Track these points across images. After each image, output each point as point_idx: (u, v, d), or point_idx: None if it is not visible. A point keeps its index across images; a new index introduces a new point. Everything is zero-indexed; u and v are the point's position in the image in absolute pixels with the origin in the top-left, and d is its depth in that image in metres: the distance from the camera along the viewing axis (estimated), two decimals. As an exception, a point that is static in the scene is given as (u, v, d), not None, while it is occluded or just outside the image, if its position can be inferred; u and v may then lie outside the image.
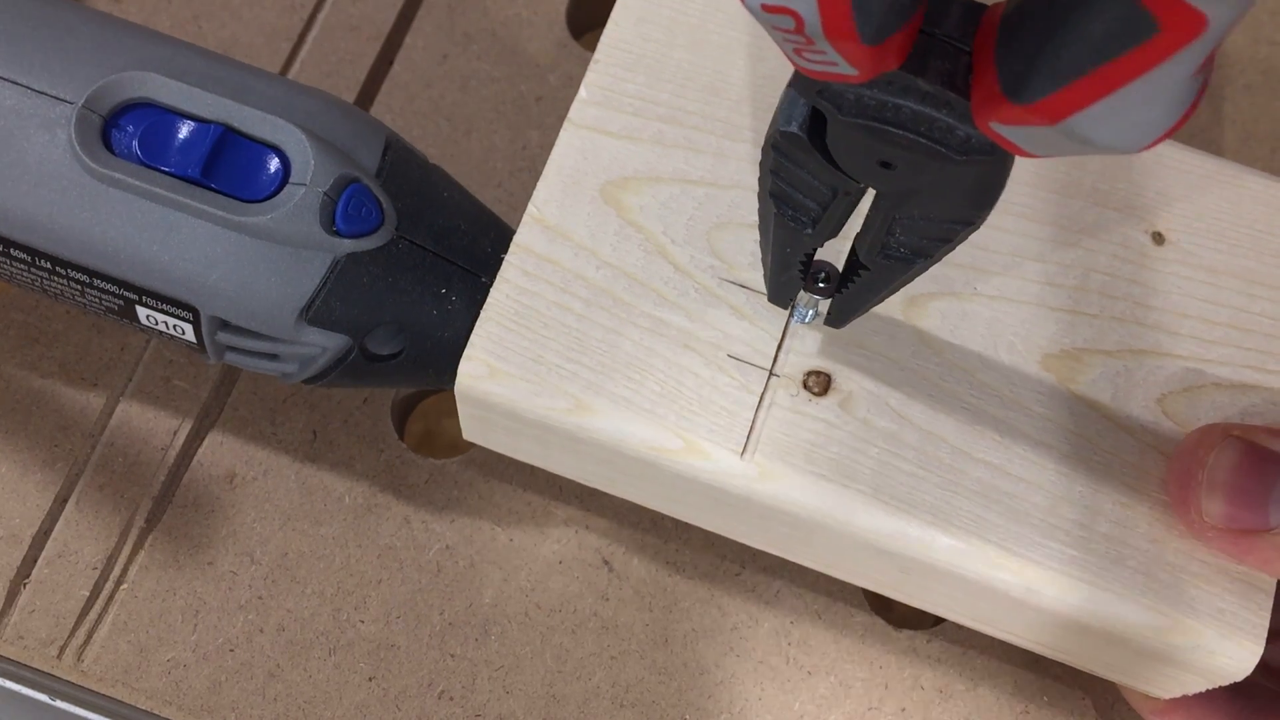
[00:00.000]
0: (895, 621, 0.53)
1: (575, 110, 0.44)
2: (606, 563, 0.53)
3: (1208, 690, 0.43)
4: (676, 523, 0.53)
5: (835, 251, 0.40)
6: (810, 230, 0.36)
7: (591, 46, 0.46)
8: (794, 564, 0.52)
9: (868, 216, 0.35)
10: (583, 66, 0.44)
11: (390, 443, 0.54)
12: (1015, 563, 0.40)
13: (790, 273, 0.38)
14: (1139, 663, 0.42)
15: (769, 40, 0.45)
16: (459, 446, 0.56)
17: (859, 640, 0.52)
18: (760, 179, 0.35)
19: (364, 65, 0.58)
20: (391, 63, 0.59)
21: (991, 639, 0.52)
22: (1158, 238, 0.44)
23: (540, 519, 0.53)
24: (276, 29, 0.59)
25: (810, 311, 0.41)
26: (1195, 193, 0.44)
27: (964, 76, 0.30)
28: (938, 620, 0.54)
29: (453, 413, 0.62)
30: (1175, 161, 0.45)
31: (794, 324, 0.42)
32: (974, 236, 0.43)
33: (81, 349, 0.54)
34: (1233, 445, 0.40)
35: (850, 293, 0.38)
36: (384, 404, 0.54)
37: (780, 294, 0.40)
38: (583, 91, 0.44)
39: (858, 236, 0.36)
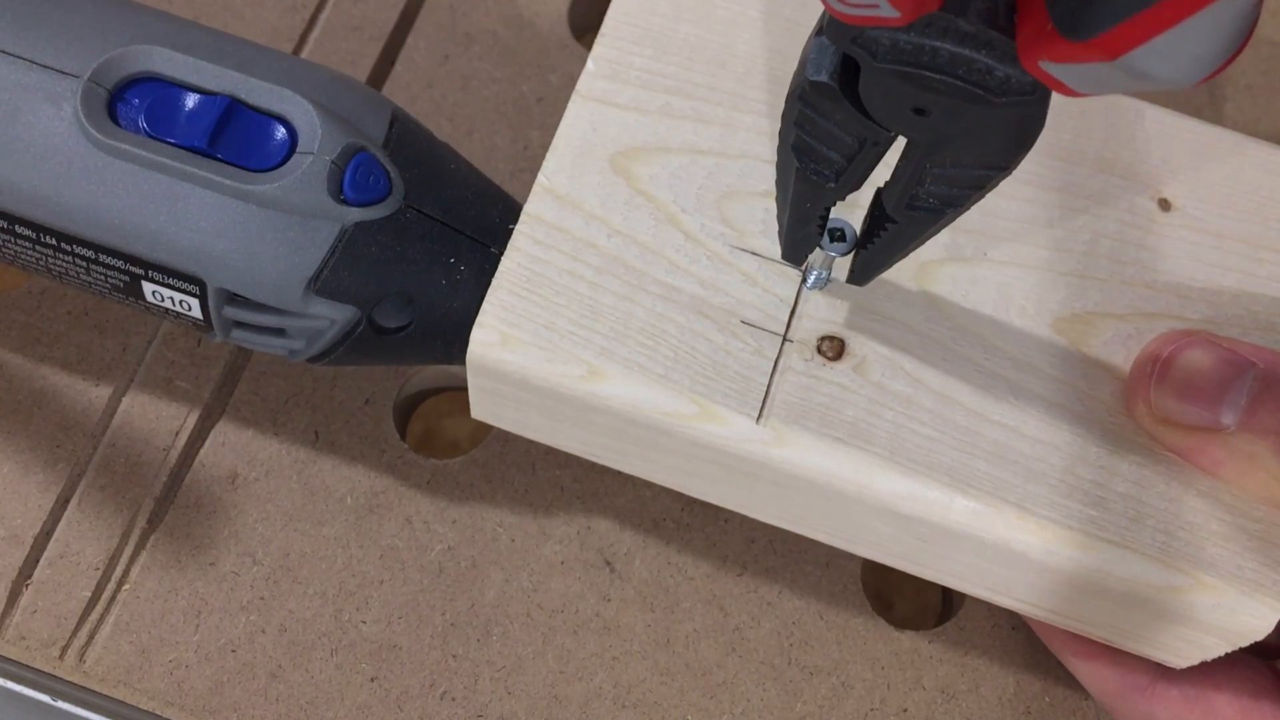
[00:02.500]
0: (897, 622, 0.51)
1: (583, 83, 0.42)
2: (608, 563, 0.51)
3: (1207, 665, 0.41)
4: (678, 523, 0.51)
5: (851, 204, 0.38)
6: (833, 184, 0.33)
7: (592, 47, 0.44)
8: (796, 565, 0.51)
9: (897, 168, 0.33)
10: (583, 67, 0.43)
11: (392, 443, 0.52)
12: (1034, 523, 0.38)
13: (807, 229, 0.36)
14: (1158, 626, 0.39)
15: (774, 14, 0.44)
16: (459, 447, 0.54)
17: (861, 641, 0.50)
18: (782, 133, 0.33)
19: (366, 65, 0.57)
20: (393, 63, 0.57)
21: (994, 639, 0.50)
22: (1164, 204, 0.42)
23: (542, 519, 0.51)
24: (278, 29, 0.57)
25: (824, 273, 0.40)
26: (1199, 160, 0.43)
27: (1006, 15, 0.28)
28: (940, 621, 0.52)
29: (453, 413, 0.61)
30: (1179, 130, 0.43)
31: (806, 290, 0.40)
32: (982, 203, 0.41)
33: (83, 349, 0.52)
34: (1194, 342, 0.38)
35: (874, 249, 0.36)
36: (386, 405, 0.52)
37: (794, 251, 0.38)
38: (590, 64, 0.43)
39: (884, 189, 0.34)
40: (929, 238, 0.35)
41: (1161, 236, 0.42)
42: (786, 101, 0.32)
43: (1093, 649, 0.44)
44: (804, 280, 0.40)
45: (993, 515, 0.38)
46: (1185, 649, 0.40)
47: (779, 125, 0.42)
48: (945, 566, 0.41)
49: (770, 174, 0.41)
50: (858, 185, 0.34)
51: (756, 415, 0.39)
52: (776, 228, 0.41)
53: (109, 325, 0.52)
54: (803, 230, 0.36)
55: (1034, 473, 0.38)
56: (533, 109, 0.57)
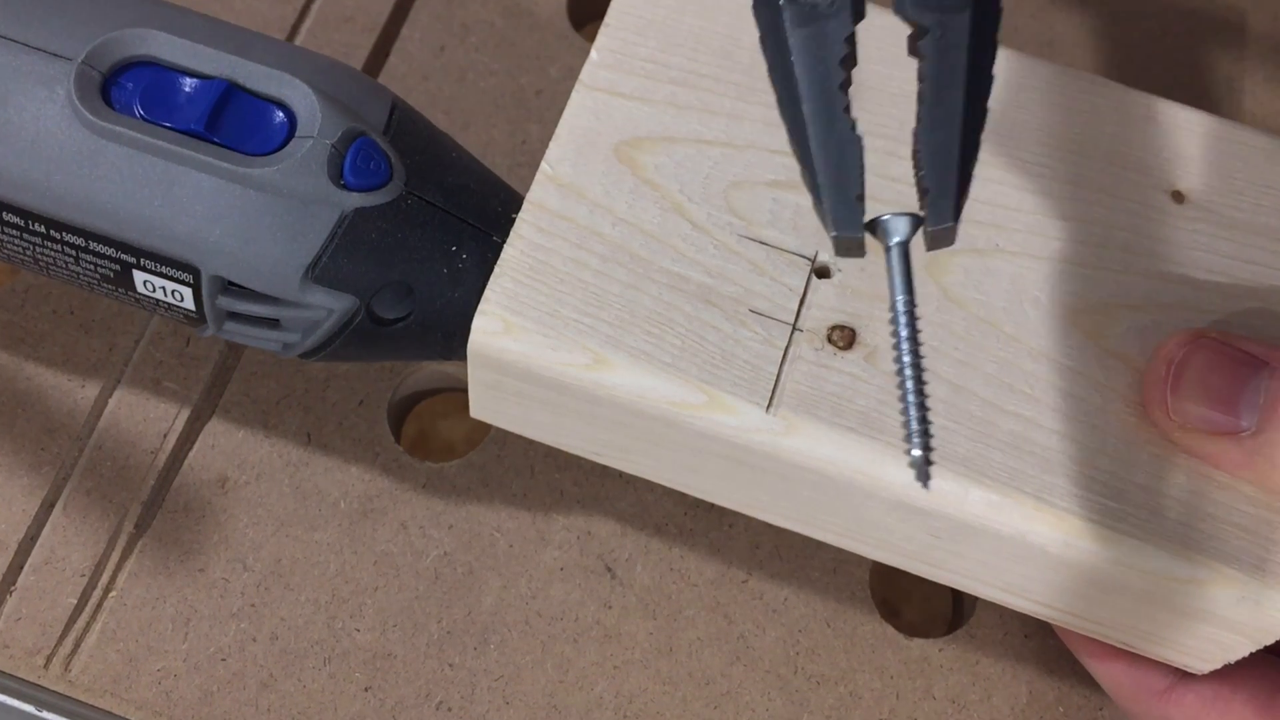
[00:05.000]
0: (906, 629, 0.51)
1: (587, 72, 0.42)
2: (609, 569, 0.50)
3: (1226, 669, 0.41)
4: (681, 528, 0.51)
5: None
6: (832, 15, 0.31)
7: (592, 38, 0.45)
8: (802, 571, 0.51)
9: None
10: (584, 59, 0.43)
11: (386, 446, 0.52)
12: (1052, 514, 0.38)
13: (838, 127, 0.32)
14: (1180, 625, 0.39)
15: (779, 6, 0.44)
16: (455, 450, 0.54)
17: (869, 649, 0.50)
18: (761, 25, 0.32)
19: (359, 57, 0.57)
20: (387, 55, 0.57)
21: (1006, 647, 0.50)
22: (1177, 196, 0.42)
23: (541, 524, 0.51)
24: (269, 20, 0.57)
25: (902, 223, 0.33)
26: (1211, 154, 0.43)
27: None
28: (950, 628, 0.52)
29: (449, 415, 0.60)
30: (1189, 124, 0.43)
31: (816, 281, 0.40)
32: (994, 194, 0.42)
33: (68, 349, 0.52)
34: (1205, 345, 0.38)
35: (929, 125, 0.32)
36: (380, 406, 0.52)
37: (841, 184, 0.32)
38: (594, 54, 0.43)
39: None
40: (982, 87, 0.32)
41: (1175, 229, 0.42)
42: None
43: (1109, 650, 0.44)
44: (810, 276, 0.40)
45: (1009, 506, 0.38)
46: (1208, 650, 0.40)
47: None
48: (958, 565, 0.41)
49: (776, 164, 0.41)
50: (858, 9, 0.32)
51: (766, 404, 0.38)
52: (784, 218, 0.41)
53: (95, 324, 0.52)
54: (835, 133, 0.32)
55: (1051, 464, 0.38)
56: (531, 102, 0.57)
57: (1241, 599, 0.37)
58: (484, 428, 0.52)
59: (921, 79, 0.32)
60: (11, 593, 0.49)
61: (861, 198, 0.32)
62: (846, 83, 0.32)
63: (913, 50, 0.33)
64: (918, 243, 0.33)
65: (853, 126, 0.32)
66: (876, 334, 0.40)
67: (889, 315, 0.33)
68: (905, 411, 0.32)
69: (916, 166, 0.32)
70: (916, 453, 0.32)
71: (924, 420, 0.32)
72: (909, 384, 0.32)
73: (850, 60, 0.32)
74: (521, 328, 0.39)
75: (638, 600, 0.50)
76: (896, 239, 0.32)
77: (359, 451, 0.51)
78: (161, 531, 0.50)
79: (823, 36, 0.32)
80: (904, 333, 0.32)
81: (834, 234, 0.32)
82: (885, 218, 0.32)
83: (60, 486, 0.50)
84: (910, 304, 0.32)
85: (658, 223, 0.41)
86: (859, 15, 0.32)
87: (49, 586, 0.49)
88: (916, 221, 0.32)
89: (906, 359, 0.32)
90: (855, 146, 0.32)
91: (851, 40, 0.32)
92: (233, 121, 0.39)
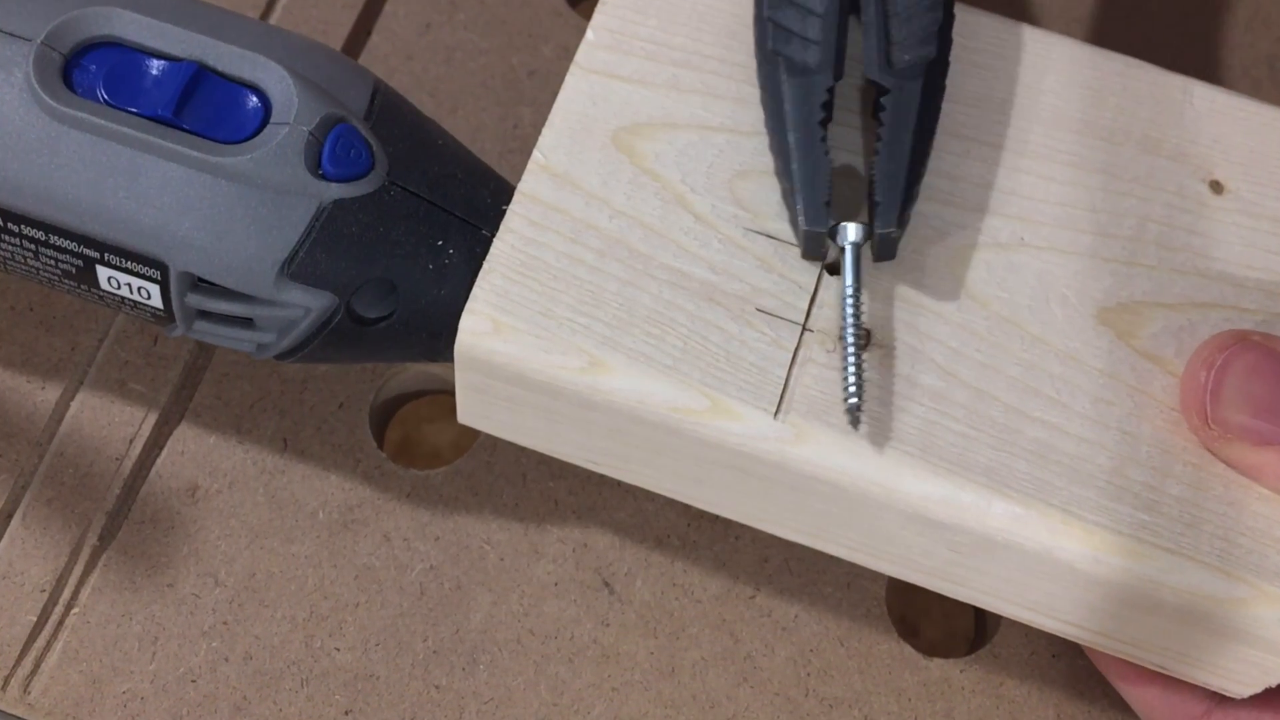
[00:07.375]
0: (925, 649, 0.51)
1: (583, 54, 0.43)
2: (607, 584, 0.51)
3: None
4: (684, 540, 0.51)
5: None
6: (817, 61, 0.40)
7: (588, 15, 0.45)
8: (814, 586, 0.51)
9: (865, 27, 0.41)
10: (580, 38, 0.43)
11: (368, 452, 0.52)
12: (1080, 529, 0.38)
13: (816, 154, 0.39)
14: (1217, 646, 0.39)
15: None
16: (442, 456, 0.54)
17: (885, 670, 0.50)
18: (760, 54, 0.41)
19: (339, 35, 0.57)
20: (369, 33, 0.58)
21: (1032, 668, 0.50)
22: (1216, 186, 0.42)
23: (533, 536, 0.51)
24: (243, -5, 0.57)
25: (855, 229, 0.40)
26: (1253, 141, 0.43)
27: None
28: (972, 647, 0.52)
29: (434, 419, 0.61)
30: (1229, 108, 0.43)
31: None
32: (1019, 185, 0.42)
33: (28, 348, 0.52)
34: (1248, 349, 0.38)
35: (885, 157, 0.39)
36: (361, 409, 0.52)
37: (814, 192, 0.39)
38: (590, 34, 0.43)
39: (865, 63, 0.41)
40: (927, 134, 0.40)
41: (1213, 221, 0.42)
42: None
43: (1142, 673, 0.44)
44: (821, 270, 0.40)
45: (1034, 520, 0.38)
46: (1247, 673, 0.40)
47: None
48: (980, 583, 0.41)
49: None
50: (839, 63, 0.40)
51: (774, 410, 0.38)
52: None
53: (56, 322, 0.52)
54: (812, 155, 0.39)
55: (1079, 474, 0.38)
56: (524, 84, 0.57)
57: (1283, 618, 0.38)
58: (472, 433, 0.52)
59: (880, 124, 0.40)
60: (-34, 610, 0.49)
61: (828, 204, 0.39)
62: (826, 119, 0.40)
63: (876, 103, 0.41)
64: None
65: (826, 152, 0.40)
66: (892, 335, 0.40)
67: (846, 301, 0.39)
68: (844, 374, 0.38)
69: (871, 188, 0.40)
70: (853, 400, 0.38)
71: (859, 379, 0.38)
72: (850, 352, 0.38)
73: (830, 105, 0.40)
74: (512, 328, 0.39)
75: (637, 617, 0.50)
76: (851, 240, 0.39)
77: (339, 458, 0.52)
78: (127, 544, 0.50)
79: (811, 86, 0.40)
80: (849, 312, 0.38)
81: (805, 229, 0.39)
82: (842, 224, 0.39)
83: (18, 496, 0.50)
84: (857, 290, 0.39)
85: (658, 215, 0.41)
86: (839, 75, 0.40)
87: (6, 603, 0.49)
88: (867, 230, 0.39)
89: (850, 334, 0.38)
90: (826, 166, 0.39)
91: (832, 91, 0.40)
92: (203, 107, 0.39)
